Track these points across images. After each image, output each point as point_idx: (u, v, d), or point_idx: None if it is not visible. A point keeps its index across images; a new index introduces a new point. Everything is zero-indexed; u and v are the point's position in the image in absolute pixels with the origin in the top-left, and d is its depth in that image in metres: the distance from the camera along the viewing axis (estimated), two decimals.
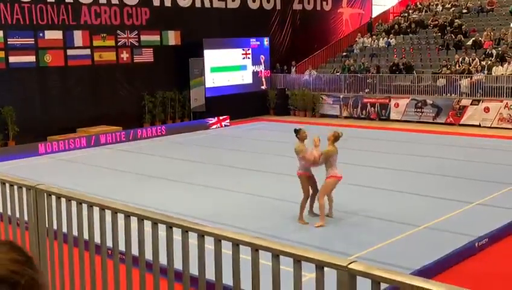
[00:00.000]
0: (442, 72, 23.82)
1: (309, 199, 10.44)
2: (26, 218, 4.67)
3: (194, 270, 3.58)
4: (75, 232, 4.38)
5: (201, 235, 3.44)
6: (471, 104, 22.34)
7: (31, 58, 20.48)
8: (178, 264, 3.67)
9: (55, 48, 21.09)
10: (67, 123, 20.83)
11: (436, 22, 28.65)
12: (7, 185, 4.81)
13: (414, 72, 24.88)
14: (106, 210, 4.06)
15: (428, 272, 7.74)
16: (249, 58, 27.08)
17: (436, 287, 2.44)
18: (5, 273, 0.99)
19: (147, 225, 3.78)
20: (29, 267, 1.11)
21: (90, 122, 21.42)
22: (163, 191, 13.09)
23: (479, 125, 21.84)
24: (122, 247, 4.04)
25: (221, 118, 24.29)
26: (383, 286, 2.70)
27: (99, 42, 22.35)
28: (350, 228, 10.23)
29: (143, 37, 23.64)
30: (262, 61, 27.61)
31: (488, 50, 24.26)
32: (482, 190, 12.32)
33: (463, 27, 27.09)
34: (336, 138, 10.26)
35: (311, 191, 10.39)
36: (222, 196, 12.54)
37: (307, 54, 29.42)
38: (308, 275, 3.14)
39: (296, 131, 10.44)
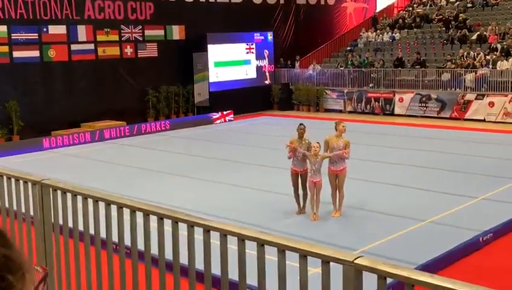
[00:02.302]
0: (447, 67, 23.76)
1: (300, 198, 10.59)
2: (31, 213, 4.68)
3: (199, 265, 3.59)
4: (80, 227, 4.39)
5: (207, 230, 3.44)
6: (475, 99, 22.27)
7: (35, 53, 20.50)
8: (184, 259, 3.67)
9: (59, 43, 21.11)
10: (71, 118, 20.87)
11: (441, 16, 28.55)
12: (12, 180, 4.82)
13: (418, 66, 24.78)
14: (112, 205, 4.07)
15: (433, 266, 7.75)
16: (252, 52, 27.05)
17: (441, 283, 2.44)
18: None
19: (153, 220, 3.78)
20: (2, 246, 1.10)
21: (95, 117, 21.46)
22: (167, 186, 13.11)
23: (484, 120, 21.78)
24: (127, 242, 4.05)
25: (225, 112, 24.30)
26: (389, 280, 2.70)
27: (103, 37, 22.36)
28: (354, 223, 10.23)
29: (147, 32, 23.64)
30: (266, 55, 27.58)
31: (493, 44, 24.18)
32: (487, 185, 12.31)
33: (468, 21, 27.00)
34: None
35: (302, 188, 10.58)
36: (226, 191, 12.55)
37: (311, 48, 29.38)
38: (314, 269, 3.14)
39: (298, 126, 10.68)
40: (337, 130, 10.39)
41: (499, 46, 23.85)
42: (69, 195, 4.40)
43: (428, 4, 31.35)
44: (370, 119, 23.32)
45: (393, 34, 28.80)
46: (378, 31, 29.90)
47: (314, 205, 10.21)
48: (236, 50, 26.34)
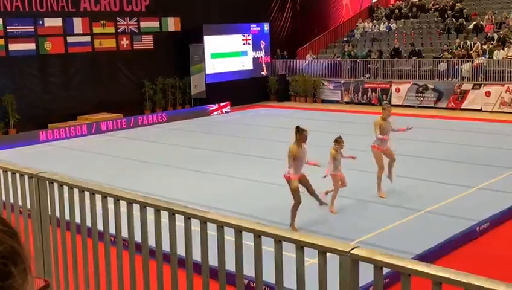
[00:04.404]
0: (444, 57, 23.75)
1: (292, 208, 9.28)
2: (28, 206, 4.68)
3: (197, 256, 3.59)
4: (77, 220, 4.39)
5: (204, 221, 3.45)
6: (472, 89, 22.29)
7: (31, 46, 20.42)
8: (181, 251, 3.68)
9: (55, 36, 21.02)
10: (68, 111, 20.82)
11: (437, 6, 28.52)
12: (9, 173, 4.81)
13: (415, 56, 24.76)
14: (108, 197, 4.07)
15: (429, 256, 7.78)
16: (249, 44, 27.00)
17: (437, 272, 2.45)
18: None
19: (150, 212, 3.79)
20: (10, 237, 1.13)
21: (91, 110, 21.42)
22: (164, 178, 13.12)
23: (481, 110, 21.80)
24: (125, 234, 4.05)
25: (221, 104, 24.27)
26: (385, 270, 2.71)
27: (99, 29, 22.28)
28: (351, 213, 10.25)
29: (143, 24, 23.55)
30: (262, 47, 27.52)
31: (489, 34, 24.16)
32: (484, 174, 12.34)
33: (464, 11, 26.98)
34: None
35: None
36: (223, 182, 12.56)
37: (308, 39, 29.32)
38: (311, 260, 3.15)
39: (299, 130, 9.19)
40: (386, 113, 11.35)
41: (495, 35, 23.83)
42: (65, 188, 4.40)
43: None
44: (367, 110, 23.30)
45: (390, 24, 28.75)
46: (374, 22, 29.85)
47: (335, 198, 10.18)
48: (232, 41, 26.28)
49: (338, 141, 10.05)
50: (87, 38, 21.93)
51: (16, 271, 1.11)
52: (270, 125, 20.44)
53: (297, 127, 9.23)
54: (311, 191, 9.36)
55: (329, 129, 15.72)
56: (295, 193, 9.13)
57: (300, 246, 2.96)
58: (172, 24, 24.50)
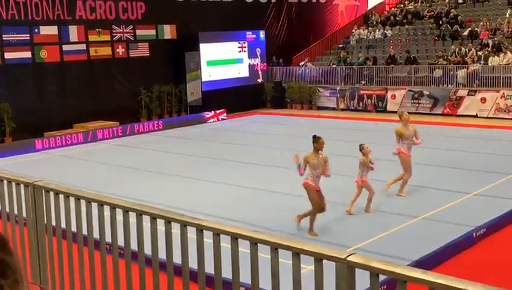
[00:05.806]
0: (439, 63, 23.82)
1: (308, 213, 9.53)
2: (24, 215, 4.67)
3: (193, 264, 3.59)
4: (73, 228, 4.38)
5: (200, 229, 3.45)
6: (467, 95, 22.35)
7: (27, 54, 20.40)
8: (177, 259, 3.67)
9: (51, 44, 21.01)
10: (64, 119, 20.78)
11: (432, 13, 28.64)
12: (5, 181, 4.80)
13: (410, 63, 24.83)
14: (104, 205, 4.06)
15: (426, 263, 7.77)
16: (245, 51, 27.03)
17: (433, 279, 2.46)
18: None
19: (146, 220, 3.78)
20: None
21: (87, 118, 21.39)
22: (160, 186, 13.09)
23: (476, 116, 21.86)
24: (121, 242, 4.04)
25: (218, 111, 24.28)
26: (382, 277, 2.71)
27: (95, 37, 22.28)
28: (348, 220, 10.25)
29: (138, 32, 23.57)
30: (258, 54, 27.56)
31: (484, 40, 24.26)
32: (480, 180, 12.35)
33: (459, 17, 27.09)
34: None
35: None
36: (220, 190, 12.54)
37: (303, 46, 29.39)
38: (307, 267, 3.15)
39: (314, 138, 9.40)
40: (403, 119, 11.17)
41: (490, 41, 23.93)
42: (61, 196, 4.39)
43: (420, 1, 31.44)
44: (363, 117, 23.35)
45: (385, 31, 28.85)
46: (370, 28, 29.95)
47: (354, 202, 10.40)
48: (228, 49, 26.32)
49: (362, 147, 10.55)
50: (83, 46, 21.93)
51: (5, 283, 1.09)
52: (267, 133, 20.44)
53: (314, 136, 9.43)
54: (309, 212, 9.46)
55: (326, 136, 15.73)
56: (315, 200, 9.30)
57: (296, 253, 2.96)
58: (168, 32, 24.52)
